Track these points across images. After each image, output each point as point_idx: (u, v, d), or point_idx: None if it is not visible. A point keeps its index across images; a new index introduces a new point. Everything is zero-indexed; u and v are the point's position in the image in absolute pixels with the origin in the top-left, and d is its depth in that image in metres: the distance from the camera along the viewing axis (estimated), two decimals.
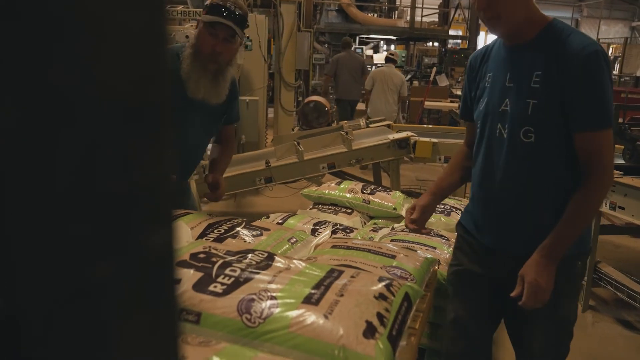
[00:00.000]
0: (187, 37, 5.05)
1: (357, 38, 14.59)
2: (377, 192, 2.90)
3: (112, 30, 0.26)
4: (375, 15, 14.63)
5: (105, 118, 0.25)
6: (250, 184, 4.32)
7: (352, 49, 8.81)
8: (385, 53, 14.82)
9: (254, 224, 1.75)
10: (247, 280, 1.17)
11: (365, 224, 2.75)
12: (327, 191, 2.91)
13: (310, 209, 2.91)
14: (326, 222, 2.46)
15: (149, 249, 0.26)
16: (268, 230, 1.70)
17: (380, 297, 1.19)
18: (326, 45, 13.09)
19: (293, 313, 1.06)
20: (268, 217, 2.49)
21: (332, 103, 8.23)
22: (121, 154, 0.25)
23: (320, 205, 2.92)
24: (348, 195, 2.85)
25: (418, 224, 1.82)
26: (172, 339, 0.28)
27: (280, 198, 4.93)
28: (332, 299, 1.13)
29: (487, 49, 1.76)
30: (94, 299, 0.25)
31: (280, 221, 2.42)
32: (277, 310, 1.07)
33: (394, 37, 14.39)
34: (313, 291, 1.14)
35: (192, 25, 5.43)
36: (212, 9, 1.96)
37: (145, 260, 0.26)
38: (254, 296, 1.11)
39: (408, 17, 13.38)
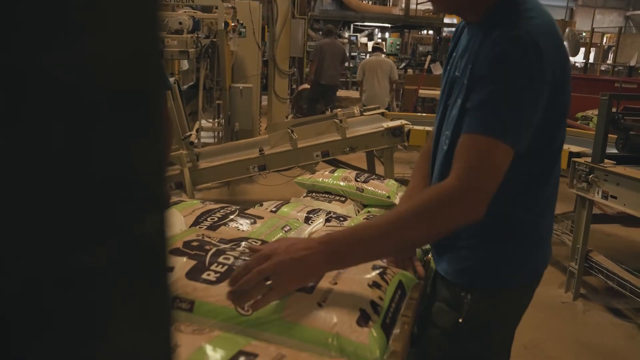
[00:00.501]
0: (180, 23, 5.00)
1: (352, 25, 14.52)
2: (371, 181, 2.89)
3: (107, 15, 0.25)
4: (370, 2, 14.55)
5: (96, 102, 0.24)
6: (243, 171, 4.31)
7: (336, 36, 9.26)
8: (380, 41, 14.82)
9: (247, 212, 1.75)
10: None
11: (358, 212, 2.75)
12: (320, 179, 2.90)
13: (303, 197, 2.91)
14: (320, 210, 2.46)
15: (141, 236, 0.25)
16: (262, 218, 1.70)
17: (374, 285, 1.19)
18: (320, 32, 13.02)
19: (286, 301, 1.06)
20: (261, 205, 2.49)
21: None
22: (112, 139, 0.24)
23: (313, 193, 2.92)
24: (342, 183, 2.85)
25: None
26: (164, 327, 0.27)
27: (274, 186, 4.92)
28: (326, 287, 1.13)
29: None
30: (84, 287, 0.24)
31: (273, 209, 2.41)
32: None
33: (389, 25, 14.32)
34: None
35: (185, 12, 5.38)
36: None
37: (137, 248, 0.25)
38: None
39: (403, 5, 13.32)
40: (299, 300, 1.07)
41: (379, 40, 9.08)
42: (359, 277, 1.19)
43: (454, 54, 1.33)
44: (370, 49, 14.87)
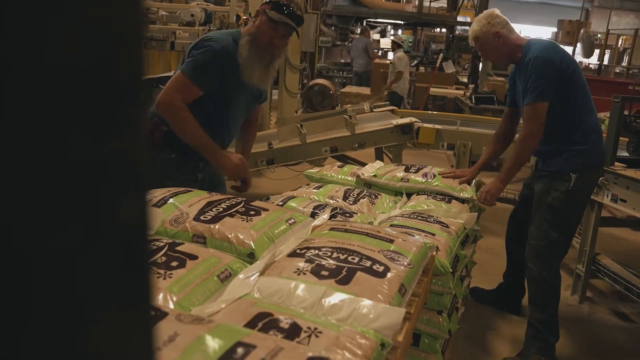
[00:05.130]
0: (192, 15, 5.00)
1: (365, 21, 14.46)
2: None
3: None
4: None
5: (79, 82, 0.24)
6: (252, 165, 4.31)
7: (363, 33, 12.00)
8: (392, 38, 14.85)
9: (252, 204, 1.75)
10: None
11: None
12: (329, 173, 2.90)
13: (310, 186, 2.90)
14: (326, 205, 2.46)
15: (122, 218, 0.25)
16: (267, 210, 1.70)
17: None
18: (333, 28, 12.97)
19: None
20: (268, 199, 2.49)
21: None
22: (95, 119, 0.24)
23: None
24: (349, 178, 2.84)
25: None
26: (144, 312, 0.27)
27: (282, 180, 4.92)
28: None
29: None
30: (62, 268, 0.24)
31: (280, 203, 2.42)
32: None
33: (402, 22, 14.24)
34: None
35: (198, 4, 5.37)
36: (277, 6, 2.15)
37: (117, 230, 0.25)
38: None
39: (416, 2, 13.24)
40: None
41: (400, 36, 10.01)
42: None
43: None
44: (382, 45, 14.86)
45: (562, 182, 2.64)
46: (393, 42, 9.41)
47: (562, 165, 2.66)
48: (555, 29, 17.88)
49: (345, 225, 1.70)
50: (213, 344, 0.88)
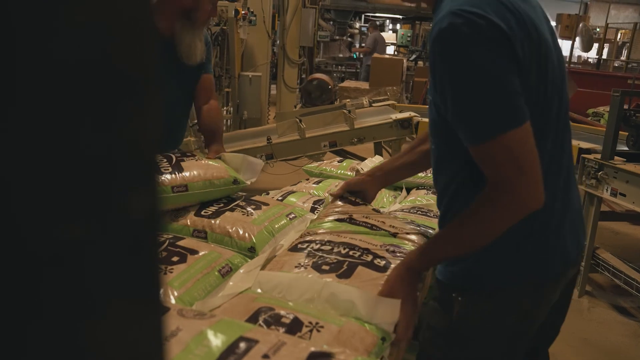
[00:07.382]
0: None
1: (363, 16, 14.43)
2: None
3: None
4: None
5: (87, 71, 0.23)
6: None
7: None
8: (390, 32, 14.89)
9: (253, 198, 1.75)
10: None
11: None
12: (329, 168, 2.89)
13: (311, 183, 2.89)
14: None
15: (131, 212, 0.24)
16: (267, 205, 1.69)
17: None
18: (331, 22, 12.94)
19: None
20: (268, 194, 2.49)
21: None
22: (102, 109, 0.24)
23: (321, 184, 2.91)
24: (349, 173, 2.83)
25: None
26: (153, 309, 0.26)
27: (281, 175, 4.91)
28: None
29: None
30: (69, 263, 0.23)
31: (280, 198, 2.41)
32: None
33: (400, 16, 14.22)
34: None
35: None
36: None
37: (126, 225, 0.24)
38: None
39: None
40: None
41: None
42: None
43: None
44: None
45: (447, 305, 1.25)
46: None
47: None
48: (554, 23, 17.86)
49: (348, 211, 1.66)
50: (215, 338, 0.88)
